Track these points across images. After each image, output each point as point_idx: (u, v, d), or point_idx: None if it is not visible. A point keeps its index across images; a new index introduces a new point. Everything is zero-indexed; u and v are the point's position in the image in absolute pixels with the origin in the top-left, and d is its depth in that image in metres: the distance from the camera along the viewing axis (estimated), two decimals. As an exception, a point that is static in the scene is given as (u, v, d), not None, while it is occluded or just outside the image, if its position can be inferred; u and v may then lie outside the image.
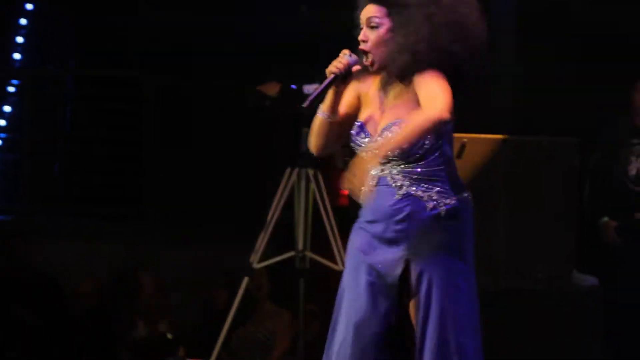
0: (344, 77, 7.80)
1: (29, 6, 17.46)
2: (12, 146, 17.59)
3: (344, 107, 8.01)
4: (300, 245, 13.39)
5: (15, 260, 15.06)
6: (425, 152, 7.71)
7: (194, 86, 16.98)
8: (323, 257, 13.46)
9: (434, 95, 7.68)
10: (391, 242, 7.92)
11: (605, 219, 14.12)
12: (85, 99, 17.30)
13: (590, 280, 14.43)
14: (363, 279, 7.91)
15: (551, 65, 17.03)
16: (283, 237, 13.85)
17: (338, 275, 12.16)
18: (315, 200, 13.42)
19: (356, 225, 7.97)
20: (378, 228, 7.93)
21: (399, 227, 7.85)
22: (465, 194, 7.87)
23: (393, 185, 7.79)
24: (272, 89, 14.14)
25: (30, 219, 16.54)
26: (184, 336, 14.81)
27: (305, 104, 7.84)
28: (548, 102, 16.00)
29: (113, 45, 17.14)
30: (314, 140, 8.11)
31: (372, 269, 7.87)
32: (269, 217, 13.35)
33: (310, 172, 13.42)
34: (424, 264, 7.82)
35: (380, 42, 7.74)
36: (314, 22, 15.27)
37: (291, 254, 13.40)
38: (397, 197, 7.74)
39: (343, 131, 7.99)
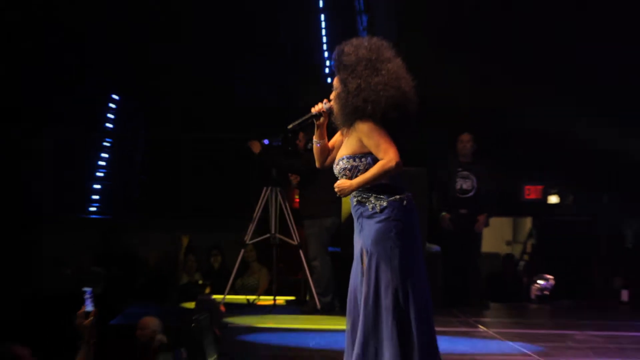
0: (318, 116, 8.80)
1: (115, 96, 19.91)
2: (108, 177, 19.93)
3: (333, 142, 8.96)
4: (273, 230, 15.81)
5: (111, 241, 17.58)
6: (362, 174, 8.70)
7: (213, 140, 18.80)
8: (286, 236, 15.77)
9: (385, 148, 8.44)
10: (359, 233, 8.80)
11: (443, 213, 16.85)
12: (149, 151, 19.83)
13: (435, 248, 16.68)
14: (355, 259, 8.82)
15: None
16: (262, 226, 16.12)
17: (295, 247, 15.49)
18: (281, 204, 15.78)
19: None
20: (355, 225, 8.91)
21: (358, 223, 8.79)
22: (398, 197, 8.56)
23: (352, 197, 8.77)
24: (255, 147, 15.72)
25: (120, 218, 19.00)
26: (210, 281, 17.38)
27: (290, 126, 8.93)
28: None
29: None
30: (316, 160, 9.05)
31: (358, 253, 8.77)
32: (254, 215, 15.84)
33: (277, 189, 15.86)
34: (372, 248, 8.61)
35: (334, 99, 8.73)
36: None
37: (267, 235, 15.84)
38: (354, 204, 8.76)
39: (333, 156, 8.93)
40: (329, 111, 8.77)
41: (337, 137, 8.94)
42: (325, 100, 8.81)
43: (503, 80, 18.38)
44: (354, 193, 8.69)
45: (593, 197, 18.48)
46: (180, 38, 19.56)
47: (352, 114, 8.58)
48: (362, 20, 19.80)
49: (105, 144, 19.91)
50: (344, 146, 8.78)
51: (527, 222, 18.37)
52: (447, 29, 18.61)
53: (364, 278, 8.62)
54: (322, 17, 20.71)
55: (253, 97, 17.91)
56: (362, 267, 8.67)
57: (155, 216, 18.69)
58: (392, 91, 8.53)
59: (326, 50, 20.16)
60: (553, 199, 18.20)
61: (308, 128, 9.16)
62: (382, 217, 8.55)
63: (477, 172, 16.90)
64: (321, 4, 20.84)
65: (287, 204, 15.98)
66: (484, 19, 18.91)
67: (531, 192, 18.25)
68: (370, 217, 8.63)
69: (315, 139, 8.92)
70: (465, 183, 16.98)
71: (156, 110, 19.76)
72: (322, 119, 8.84)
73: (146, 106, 19.91)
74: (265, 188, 15.99)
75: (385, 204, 8.56)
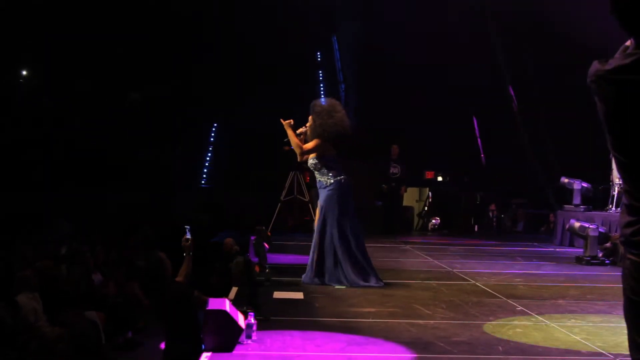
0: (300, 135, 8.99)
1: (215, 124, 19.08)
2: (210, 166, 19.13)
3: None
4: (295, 193, 15.07)
5: (215, 204, 16.19)
6: (321, 167, 8.97)
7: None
8: (301, 196, 15.10)
9: (310, 148, 8.95)
10: (321, 197, 8.99)
11: (383, 185, 16.43)
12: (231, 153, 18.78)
13: (379, 203, 16.30)
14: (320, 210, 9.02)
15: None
16: (290, 191, 15.10)
17: (306, 201, 14.59)
18: (299, 179, 15.11)
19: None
20: (320, 191, 9.04)
21: (319, 191, 9.08)
22: (339, 178, 8.88)
23: (317, 178, 9.04)
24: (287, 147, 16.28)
25: (215, 187, 18.36)
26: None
27: (286, 140, 9.16)
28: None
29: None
30: (298, 155, 9.17)
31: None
32: (285, 185, 15.09)
33: (298, 172, 15.04)
34: (323, 204, 8.89)
35: (309, 127, 8.99)
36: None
37: (292, 196, 15.12)
38: (318, 180, 9.06)
39: (307, 157, 9.07)
40: (305, 133, 8.98)
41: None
42: (303, 127, 8.99)
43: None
44: (318, 175, 8.96)
45: (459, 177, 18.03)
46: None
47: (315, 136, 8.88)
48: (340, 86, 19.84)
49: (210, 147, 19.54)
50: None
51: (426, 190, 17.86)
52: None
53: (319, 218, 8.85)
54: (321, 85, 20.50)
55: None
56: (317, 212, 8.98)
57: (232, 187, 17.90)
58: (338, 127, 8.85)
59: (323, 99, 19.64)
60: (440, 178, 17.83)
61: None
62: (330, 188, 8.80)
63: (400, 164, 16.61)
64: (320, 78, 20.52)
65: (302, 179, 15.41)
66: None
67: (428, 174, 17.84)
68: (324, 188, 8.86)
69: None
70: (394, 169, 16.63)
71: (232, 131, 19.16)
72: (302, 136, 8.99)
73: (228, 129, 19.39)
74: (291, 172, 15.38)
75: (332, 181, 8.82)
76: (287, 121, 9.00)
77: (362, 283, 8.67)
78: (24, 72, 18.90)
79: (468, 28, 17.40)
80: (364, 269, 8.82)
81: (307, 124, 8.98)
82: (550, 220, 16.53)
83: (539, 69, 17.72)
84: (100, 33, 17.42)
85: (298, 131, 9.04)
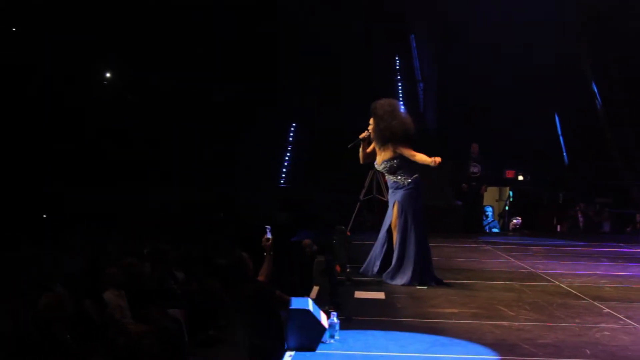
0: (363, 139, 9.11)
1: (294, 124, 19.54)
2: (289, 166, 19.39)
3: (369, 149, 9.24)
4: (374, 192, 14.64)
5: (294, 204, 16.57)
6: (396, 169, 8.97)
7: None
8: (380, 196, 14.25)
9: (413, 153, 8.78)
10: (394, 195, 9.05)
11: (463, 184, 16.04)
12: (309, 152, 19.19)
13: (459, 202, 15.86)
14: (389, 209, 9.10)
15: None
16: (370, 190, 14.63)
17: (384, 201, 13.01)
18: (377, 178, 14.34)
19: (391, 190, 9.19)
20: (390, 191, 9.22)
21: (394, 190, 9.09)
22: (415, 176, 8.93)
23: (390, 178, 9.12)
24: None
25: (298, 187, 18.29)
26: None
27: (349, 145, 9.32)
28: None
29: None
30: (360, 159, 9.43)
31: (392, 205, 9.04)
32: (365, 184, 14.66)
33: (376, 170, 13.74)
34: (403, 203, 8.89)
35: (372, 131, 9.01)
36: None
37: (371, 195, 14.71)
38: (392, 182, 9.14)
39: (369, 158, 9.34)
40: (368, 137, 9.06)
41: (370, 148, 9.21)
42: (366, 132, 9.03)
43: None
44: (392, 177, 8.99)
45: (540, 176, 17.77)
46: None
47: (382, 139, 8.91)
48: (419, 85, 19.83)
49: (289, 147, 19.70)
50: (383, 154, 9.04)
51: (507, 190, 17.55)
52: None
53: (400, 217, 8.77)
54: (399, 84, 20.57)
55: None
56: (394, 211, 8.87)
57: (311, 186, 17.89)
58: (405, 126, 8.86)
59: (401, 100, 19.52)
60: (520, 177, 17.49)
61: (359, 145, 9.27)
62: (408, 187, 8.82)
63: (480, 163, 16.35)
64: (399, 77, 20.53)
65: (381, 179, 14.36)
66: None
67: (509, 173, 17.53)
68: (401, 188, 8.87)
69: (361, 148, 9.23)
70: (475, 168, 16.34)
71: (310, 128, 19.36)
72: (366, 141, 9.15)
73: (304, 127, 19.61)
74: (370, 171, 14.77)
75: (409, 180, 8.84)
76: (364, 134, 9.10)
77: (420, 281, 8.69)
78: (108, 74, 19.39)
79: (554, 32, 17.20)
80: (429, 267, 8.88)
81: (370, 127, 9.04)
82: (637, 221, 16.22)
83: (624, 67, 17.38)
84: (183, 34, 17.90)
85: (360, 136, 9.12)
